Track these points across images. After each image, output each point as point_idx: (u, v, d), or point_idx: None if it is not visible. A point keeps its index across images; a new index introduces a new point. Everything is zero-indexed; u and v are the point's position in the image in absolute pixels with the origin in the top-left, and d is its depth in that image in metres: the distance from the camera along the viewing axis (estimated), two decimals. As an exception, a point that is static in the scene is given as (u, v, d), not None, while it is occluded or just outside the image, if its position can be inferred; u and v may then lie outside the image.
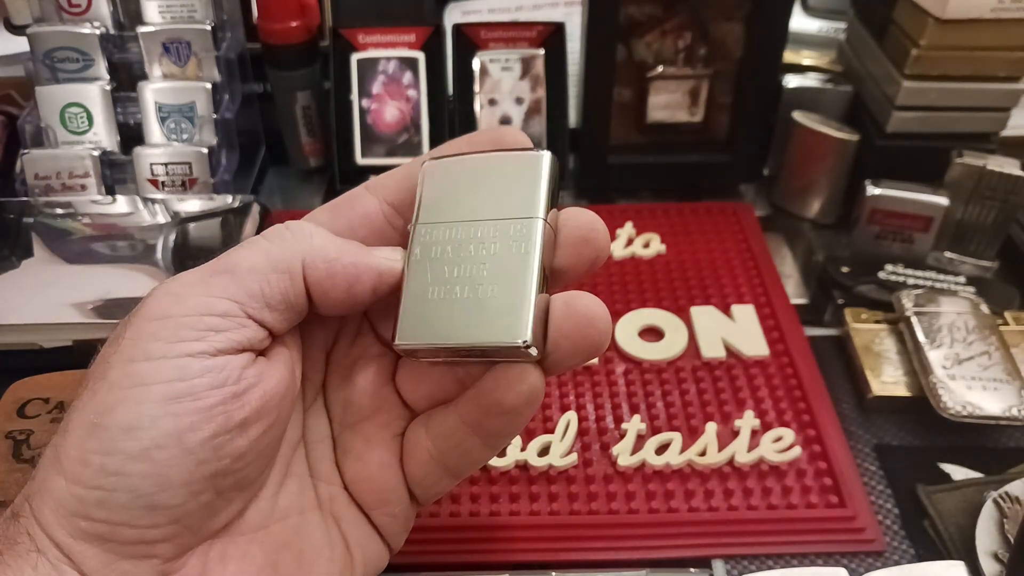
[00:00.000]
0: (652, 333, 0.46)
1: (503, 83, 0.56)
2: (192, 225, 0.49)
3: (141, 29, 0.52)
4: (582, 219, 0.26)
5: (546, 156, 0.26)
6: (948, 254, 0.51)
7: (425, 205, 0.26)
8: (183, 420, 0.22)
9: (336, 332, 0.29)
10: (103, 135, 0.53)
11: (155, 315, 0.23)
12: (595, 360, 0.44)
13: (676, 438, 0.40)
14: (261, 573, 0.25)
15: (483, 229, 0.25)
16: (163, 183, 0.52)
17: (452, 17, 0.65)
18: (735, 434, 0.40)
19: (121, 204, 0.50)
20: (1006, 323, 0.46)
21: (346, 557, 0.27)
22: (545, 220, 0.25)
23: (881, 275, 0.49)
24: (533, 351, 0.24)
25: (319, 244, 0.25)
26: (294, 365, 0.26)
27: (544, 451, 0.39)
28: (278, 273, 0.24)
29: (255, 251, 0.25)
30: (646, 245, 0.52)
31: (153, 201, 0.50)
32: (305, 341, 0.28)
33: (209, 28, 0.52)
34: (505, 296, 0.24)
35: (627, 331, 0.46)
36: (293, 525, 0.27)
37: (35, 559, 0.22)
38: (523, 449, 0.39)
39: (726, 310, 0.47)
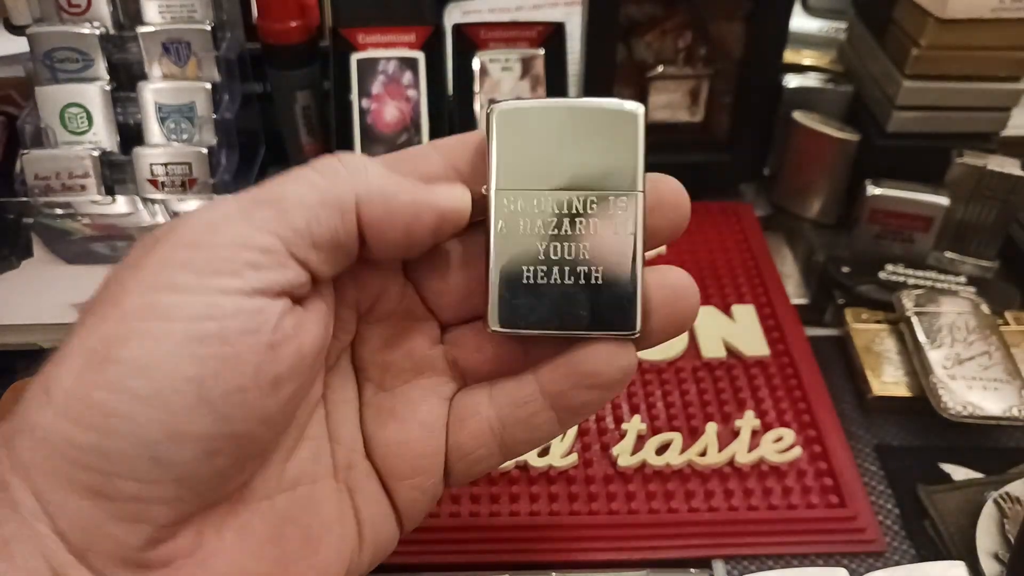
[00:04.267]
0: (652, 333, 0.46)
1: (503, 83, 0.56)
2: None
3: (141, 29, 0.52)
4: (665, 187, 0.25)
5: (640, 112, 0.24)
6: (948, 254, 0.51)
7: (503, 166, 0.23)
8: (207, 366, 0.20)
9: (376, 294, 0.26)
10: (103, 135, 0.53)
11: (187, 241, 0.20)
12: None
13: (676, 438, 0.40)
14: (262, 548, 0.23)
15: (577, 201, 0.23)
16: (163, 183, 0.51)
17: (452, 17, 0.64)
18: (735, 434, 0.40)
19: (121, 204, 0.50)
20: (1006, 323, 0.46)
21: (355, 536, 0.25)
22: (644, 192, 0.23)
23: (881, 275, 0.49)
24: (638, 335, 0.24)
25: (375, 178, 0.22)
26: (329, 320, 0.24)
27: (544, 451, 0.39)
28: (328, 209, 0.21)
29: (303, 183, 0.22)
30: (646, 245, 0.52)
31: (153, 201, 0.50)
32: (337, 295, 0.25)
33: (209, 28, 0.52)
34: (612, 282, 0.23)
35: (627, 331, 0.46)
36: (303, 495, 0.24)
37: (2, 514, 0.19)
38: (523, 449, 0.39)
39: (726, 310, 0.47)
